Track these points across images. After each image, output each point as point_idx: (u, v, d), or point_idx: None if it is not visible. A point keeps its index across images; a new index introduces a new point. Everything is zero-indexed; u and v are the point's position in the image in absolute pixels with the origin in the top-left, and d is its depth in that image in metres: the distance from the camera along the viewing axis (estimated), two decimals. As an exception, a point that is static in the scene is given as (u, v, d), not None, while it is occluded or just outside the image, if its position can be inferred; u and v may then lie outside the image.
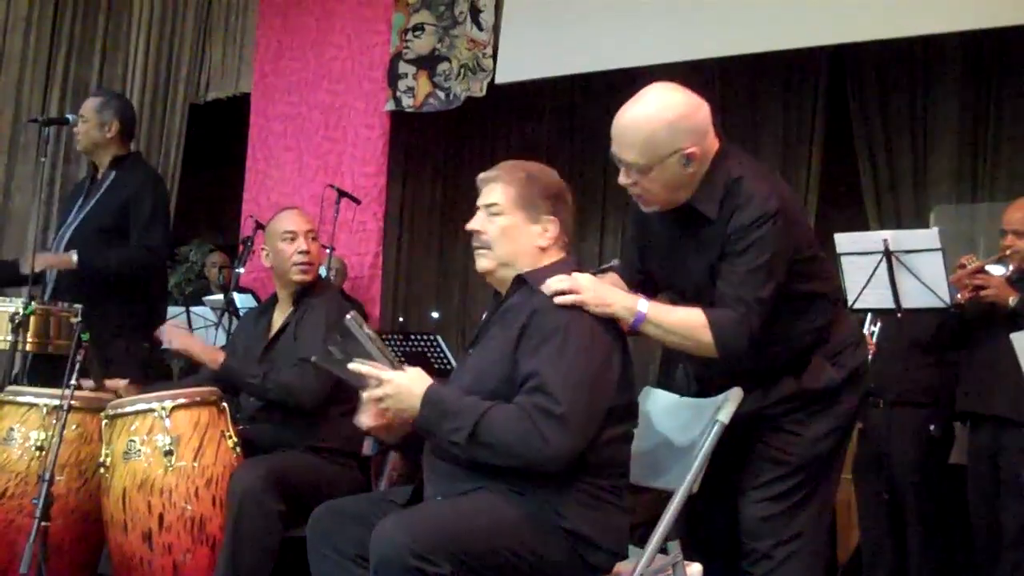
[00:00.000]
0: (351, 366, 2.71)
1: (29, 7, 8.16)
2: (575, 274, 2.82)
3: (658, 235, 3.08)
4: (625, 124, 2.89)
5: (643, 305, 2.81)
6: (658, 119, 2.84)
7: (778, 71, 7.38)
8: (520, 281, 2.87)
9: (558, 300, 2.74)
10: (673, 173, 2.88)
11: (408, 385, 2.69)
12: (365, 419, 2.86)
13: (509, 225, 2.88)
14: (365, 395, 2.75)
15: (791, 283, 2.87)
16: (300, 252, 4.05)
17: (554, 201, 2.92)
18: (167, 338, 4.16)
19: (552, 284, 2.77)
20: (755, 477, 3.01)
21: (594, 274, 2.95)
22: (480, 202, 2.93)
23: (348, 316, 2.74)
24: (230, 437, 3.74)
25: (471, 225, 2.90)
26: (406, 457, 4.25)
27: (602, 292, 2.79)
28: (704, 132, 2.89)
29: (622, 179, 2.93)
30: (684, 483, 2.87)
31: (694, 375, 3.13)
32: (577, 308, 2.73)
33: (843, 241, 4.73)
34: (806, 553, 2.99)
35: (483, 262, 2.91)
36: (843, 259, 4.70)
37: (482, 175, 2.98)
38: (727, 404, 2.89)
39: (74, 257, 4.72)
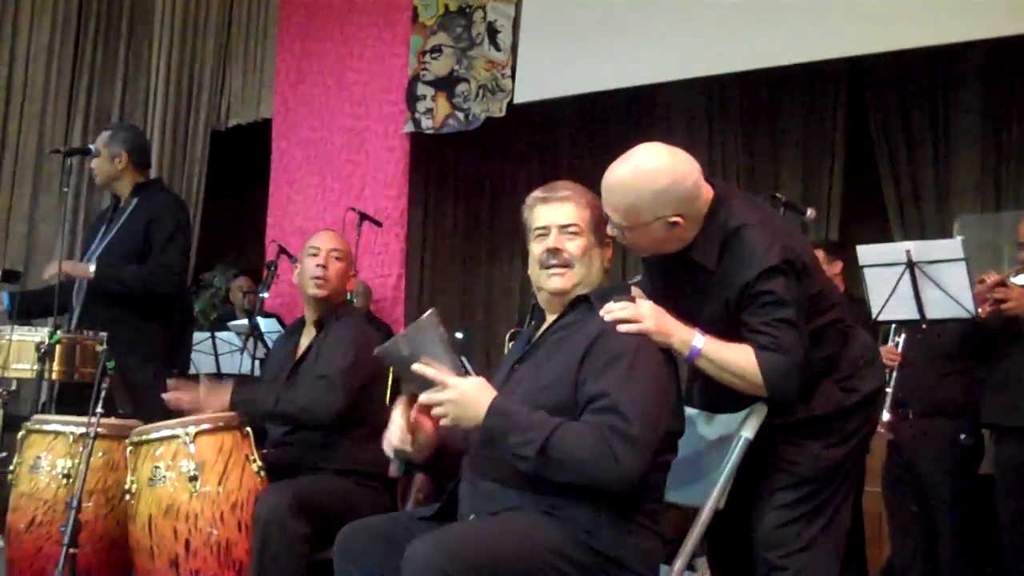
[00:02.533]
0: (415, 367, 2.68)
1: (50, 37, 8.26)
2: (638, 300, 2.83)
3: (663, 276, 3.08)
4: (610, 185, 2.87)
5: (699, 340, 2.81)
6: (644, 187, 2.81)
7: (798, 85, 7.38)
8: (581, 300, 2.87)
9: (622, 328, 2.74)
10: (657, 235, 2.88)
11: (474, 394, 2.67)
12: (395, 440, 2.86)
13: (587, 246, 2.88)
14: (424, 397, 2.71)
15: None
16: (317, 266, 4.06)
17: (604, 224, 2.93)
18: (174, 405, 4.08)
19: (616, 311, 2.77)
20: (767, 487, 2.99)
21: None
22: (550, 221, 2.89)
23: (429, 312, 2.72)
24: (254, 461, 3.73)
25: (554, 244, 2.86)
26: (433, 479, 4.22)
27: (663, 322, 2.79)
28: (692, 199, 2.86)
29: (609, 230, 2.92)
30: (710, 499, 2.86)
31: (707, 393, 3.11)
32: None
33: (866, 253, 4.70)
34: (819, 566, 2.96)
35: (560, 282, 2.87)
36: (866, 271, 4.67)
37: (544, 193, 2.95)
38: (752, 419, 2.88)
39: (91, 267, 4.74)
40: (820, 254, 5.10)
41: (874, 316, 4.63)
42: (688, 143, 3.10)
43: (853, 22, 5.80)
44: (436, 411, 2.71)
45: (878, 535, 5.37)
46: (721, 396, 2.96)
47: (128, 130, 5.34)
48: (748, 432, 2.88)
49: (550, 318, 2.95)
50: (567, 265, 2.87)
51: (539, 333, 2.97)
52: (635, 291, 2.98)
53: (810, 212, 4.92)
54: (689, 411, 3.08)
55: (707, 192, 2.91)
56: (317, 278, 4.06)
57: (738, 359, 2.80)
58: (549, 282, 2.89)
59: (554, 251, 2.87)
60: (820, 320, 2.95)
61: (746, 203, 2.98)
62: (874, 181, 7.10)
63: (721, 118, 7.84)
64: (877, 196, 7.08)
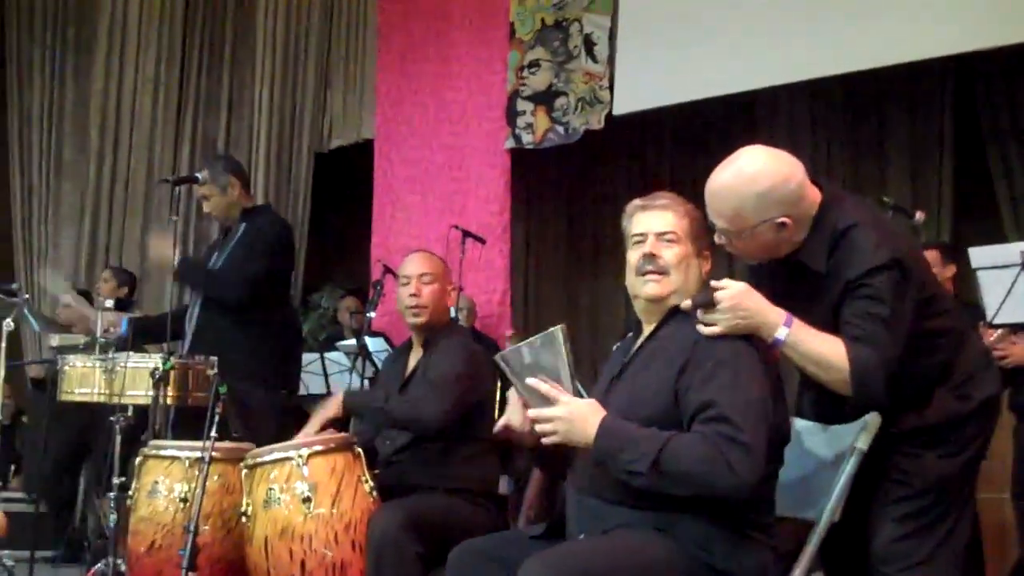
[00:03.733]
0: (529, 381, 2.69)
1: (156, 68, 8.50)
2: (725, 279, 2.79)
3: (771, 283, 3.03)
4: (714, 191, 2.86)
5: (782, 332, 2.75)
6: (747, 190, 2.80)
7: (903, 83, 7.22)
8: (678, 311, 2.85)
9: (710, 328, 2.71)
10: (766, 239, 2.86)
11: (584, 413, 2.67)
12: (515, 419, 2.89)
13: (684, 254, 2.87)
14: (532, 412, 2.73)
15: (913, 323, 2.80)
16: (411, 296, 4.09)
17: (707, 235, 2.92)
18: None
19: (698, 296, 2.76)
20: (882, 500, 2.92)
21: None
22: (647, 228, 2.89)
23: (560, 326, 2.72)
24: (366, 481, 3.76)
25: (651, 249, 2.85)
26: (547, 471, 4.20)
27: (749, 300, 2.75)
28: (797, 200, 2.83)
29: (716, 238, 2.91)
30: (825, 513, 2.82)
31: (819, 404, 3.05)
32: (742, 339, 2.71)
33: (978, 255, 4.59)
34: None
35: (655, 288, 2.85)
36: (979, 273, 4.56)
37: (643, 201, 2.95)
38: (865, 431, 2.82)
39: (176, 260, 4.95)
40: (935, 255, 5.01)
41: (989, 319, 4.53)
42: (792, 147, 3.07)
43: (958, 18, 5.67)
44: (543, 427, 2.70)
45: (1000, 543, 5.23)
46: (833, 407, 2.91)
47: (224, 158, 5.50)
48: (862, 444, 2.82)
49: (647, 329, 2.93)
50: (663, 272, 2.85)
51: (636, 345, 2.95)
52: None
53: (919, 215, 4.83)
54: (800, 423, 3.03)
55: (814, 194, 2.88)
56: (412, 307, 4.09)
57: (825, 351, 2.74)
58: (644, 288, 2.87)
59: (650, 256, 2.85)
60: (931, 324, 2.88)
61: (855, 204, 2.94)
62: (985, 180, 6.92)
63: (824, 121, 7.71)
64: (989, 195, 6.90)
